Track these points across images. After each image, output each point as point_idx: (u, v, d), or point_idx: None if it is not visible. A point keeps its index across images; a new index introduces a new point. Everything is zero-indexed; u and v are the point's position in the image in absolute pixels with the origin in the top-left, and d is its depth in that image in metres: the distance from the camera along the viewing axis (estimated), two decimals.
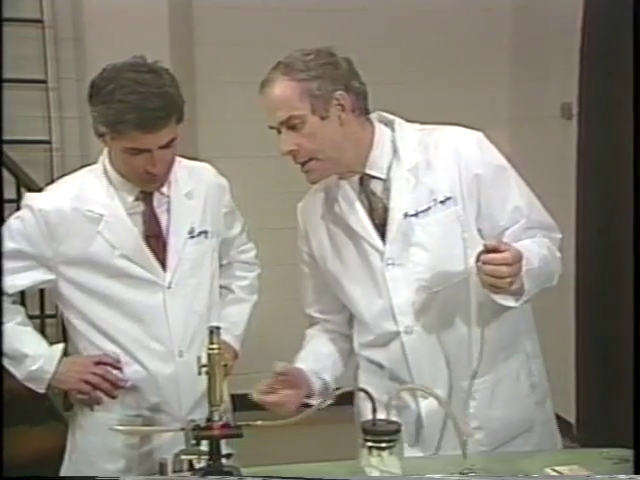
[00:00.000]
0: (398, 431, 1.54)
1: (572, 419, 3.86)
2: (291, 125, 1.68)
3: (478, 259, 1.58)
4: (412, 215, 1.74)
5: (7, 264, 1.87)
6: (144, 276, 1.91)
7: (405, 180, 1.74)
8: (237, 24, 4.21)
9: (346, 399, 1.72)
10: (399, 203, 1.74)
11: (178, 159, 1.97)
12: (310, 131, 1.68)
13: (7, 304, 1.92)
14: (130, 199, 1.92)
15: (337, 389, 1.70)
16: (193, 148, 4.24)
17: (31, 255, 1.90)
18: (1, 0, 1.81)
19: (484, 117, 4.42)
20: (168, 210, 1.95)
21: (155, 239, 1.94)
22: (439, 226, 1.74)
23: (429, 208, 1.74)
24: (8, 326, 1.90)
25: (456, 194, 1.73)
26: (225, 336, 2.01)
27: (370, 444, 1.52)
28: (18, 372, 1.91)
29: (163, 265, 1.93)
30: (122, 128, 1.77)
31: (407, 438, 1.79)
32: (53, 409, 3.07)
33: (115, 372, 1.92)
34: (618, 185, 3.41)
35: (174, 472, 1.56)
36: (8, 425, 2.15)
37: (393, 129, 1.79)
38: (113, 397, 1.92)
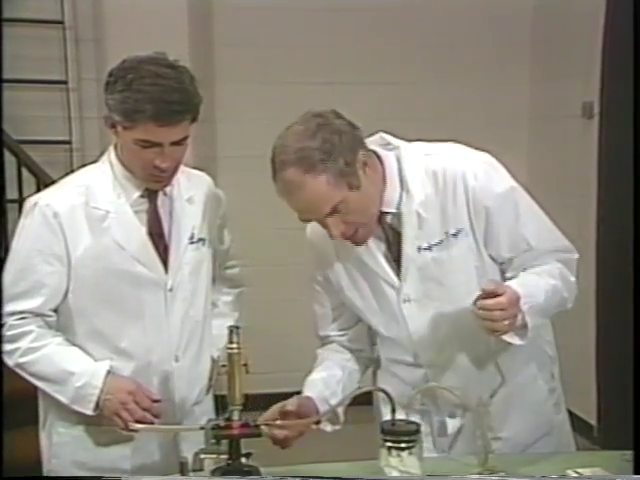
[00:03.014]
0: (417, 431, 1.54)
1: (593, 421, 3.84)
2: (334, 211, 1.61)
3: (475, 303, 1.56)
4: (426, 249, 1.70)
5: (26, 265, 1.84)
6: (147, 276, 1.88)
7: (416, 215, 1.69)
8: (256, 24, 4.22)
9: (365, 399, 1.71)
10: (411, 238, 1.70)
11: None
12: (353, 207, 1.62)
13: (42, 329, 1.86)
14: (135, 196, 1.89)
15: (358, 388, 1.69)
16: (212, 147, 4.26)
17: (47, 253, 1.85)
18: (1, 0, 1.81)
19: (505, 116, 4.44)
20: (170, 212, 1.92)
21: (157, 239, 1.91)
22: (453, 259, 1.70)
23: (442, 241, 1.70)
24: (49, 349, 1.85)
25: (466, 225, 1.69)
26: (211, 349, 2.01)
27: (389, 444, 1.52)
28: (64, 395, 1.84)
29: (165, 267, 1.91)
30: (138, 118, 1.75)
31: (430, 443, 1.80)
32: None
33: (148, 401, 1.84)
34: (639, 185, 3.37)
35: (194, 471, 1.57)
36: (22, 424, 2.17)
37: (399, 157, 1.72)
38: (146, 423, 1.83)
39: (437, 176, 1.69)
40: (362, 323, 1.86)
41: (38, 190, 3.63)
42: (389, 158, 1.71)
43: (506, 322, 1.54)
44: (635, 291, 1.51)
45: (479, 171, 1.69)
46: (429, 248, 1.70)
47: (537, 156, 4.42)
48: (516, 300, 1.55)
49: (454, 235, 1.69)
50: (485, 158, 1.74)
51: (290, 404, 1.69)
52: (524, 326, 1.61)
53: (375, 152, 1.71)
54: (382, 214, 1.71)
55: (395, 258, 1.73)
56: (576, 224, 4.15)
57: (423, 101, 4.36)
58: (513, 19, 4.40)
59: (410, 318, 1.74)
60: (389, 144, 1.74)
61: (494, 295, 1.53)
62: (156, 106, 1.73)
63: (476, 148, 1.77)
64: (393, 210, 1.70)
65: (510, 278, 1.70)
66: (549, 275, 1.70)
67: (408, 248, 1.71)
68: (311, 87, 4.26)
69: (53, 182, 3.60)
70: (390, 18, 4.31)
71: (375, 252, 1.73)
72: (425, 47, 4.32)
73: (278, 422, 1.66)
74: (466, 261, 1.71)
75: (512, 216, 1.71)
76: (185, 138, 1.81)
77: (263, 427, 1.61)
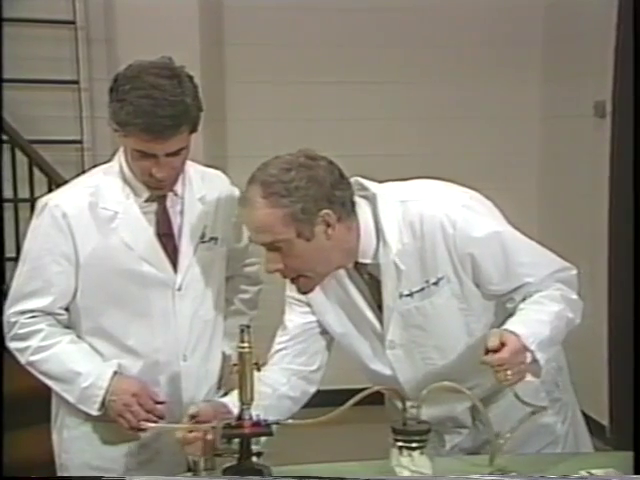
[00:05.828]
0: (429, 431, 1.54)
1: (605, 421, 3.82)
2: (276, 247, 1.61)
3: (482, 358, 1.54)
4: (407, 295, 1.68)
5: (37, 265, 1.86)
6: (155, 275, 1.89)
7: (393, 265, 1.66)
8: (267, 24, 4.22)
9: (374, 399, 1.71)
10: (391, 288, 1.68)
11: (192, 163, 1.94)
12: (296, 253, 1.61)
13: (53, 327, 1.88)
14: (144, 197, 1.89)
15: (364, 389, 1.69)
16: (222, 147, 4.27)
17: (56, 253, 1.86)
18: (1, 0, 1.82)
19: (517, 115, 4.43)
20: (181, 212, 1.92)
21: (166, 239, 1.91)
22: (436, 307, 1.69)
23: (423, 289, 1.68)
24: (58, 348, 1.86)
25: (448, 272, 1.66)
26: (223, 347, 2.02)
27: (401, 444, 1.52)
28: (71, 394, 1.86)
29: (174, 266, 1.91)
30: (130, 130, 1.76)
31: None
32: None
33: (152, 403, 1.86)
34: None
35: (205, 470, 1.57)
36: (35, 423, 2.18)
37: (375, 205, 1.68)
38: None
39: (414, 225, 1.66)
40: (326, 351, 1.82)
41: (50, 190, 3.65)
42: (364, 207, 1.68)
43: (509, 372, 1.52)
44: (635, 294, 1.50)
45: (457, 218, 1.64)
46: (410, 295, 1.68)
47: (549, 155, 4.40)
48: (520, 348, 1.53)
49: (435, 284, 1.67)
50: (464, 201, 1.69)
51: (190, 410, 1.67)
52: (536, 361, 1.58)
53: (353, 211, 1.66)
54: (359, 264, 1.70)
55: (379, 305, 1.72)
56: (588, 223, 4.13)
57: (435, 101, 4.35)
58: (525, 18, 4.39)
59: (396, 362, 1.74)
60: (365, 190, 1.70)
61: (497, 350, 1.51)
62: (146, 120, 1.73)
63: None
64: (369, 261, 1.69)
65: (512, 309, 1.67)
66: (551, 300, 1.66)
67: (388, 298, 1.69)
68: (321, 87, 4.27)
69: (65, 182, 3.63)
70: (399, 18, 4.30)
71: (357, 300, 1.73)
72: (437, 47, 4.31)
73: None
74: (449, 305, 1.69)
75: (501, 257, 1.67)
76: (182, 149, 1.80)
77: (181, 442, 1.62)
